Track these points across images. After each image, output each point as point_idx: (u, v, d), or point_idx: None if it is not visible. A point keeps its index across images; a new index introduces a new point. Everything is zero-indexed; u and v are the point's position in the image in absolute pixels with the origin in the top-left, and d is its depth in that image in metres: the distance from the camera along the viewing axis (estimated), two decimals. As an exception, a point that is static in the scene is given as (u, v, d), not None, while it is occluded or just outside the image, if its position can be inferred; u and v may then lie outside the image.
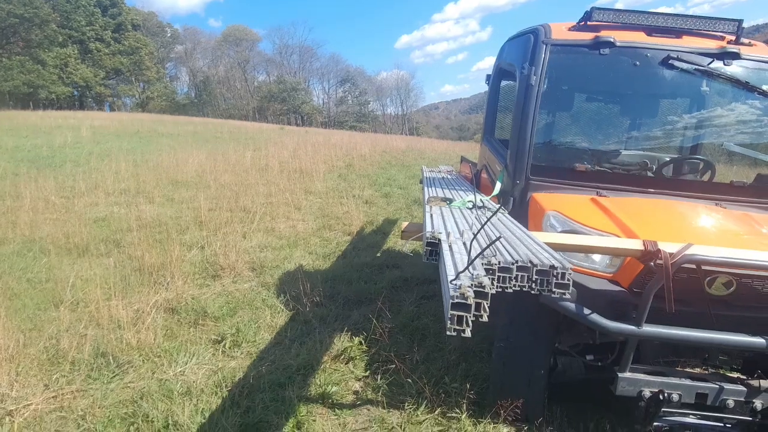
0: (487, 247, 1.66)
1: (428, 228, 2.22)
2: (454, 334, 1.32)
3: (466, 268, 1.48)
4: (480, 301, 1.35)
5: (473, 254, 1.59)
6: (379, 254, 6.23)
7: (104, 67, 54.71)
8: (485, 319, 1.36)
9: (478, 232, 1.90)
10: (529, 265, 1.66)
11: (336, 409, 2.99)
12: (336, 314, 4.30)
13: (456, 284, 1.40)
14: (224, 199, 8.42)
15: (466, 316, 1.32)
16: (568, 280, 1.64)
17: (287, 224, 7.42)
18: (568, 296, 1.66)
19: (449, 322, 1.34)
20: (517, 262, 1.68)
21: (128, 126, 24.07)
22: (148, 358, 3.46)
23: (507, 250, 1.82)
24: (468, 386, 3.02)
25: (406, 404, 2.97)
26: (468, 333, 1.33)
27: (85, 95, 54.19)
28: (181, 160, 12.27)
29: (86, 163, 12.10)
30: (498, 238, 1.78)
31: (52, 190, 8.65)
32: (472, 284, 1.36)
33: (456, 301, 1.36)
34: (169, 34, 68.99)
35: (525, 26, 3.64)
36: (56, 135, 17.51)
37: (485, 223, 2.03)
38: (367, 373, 3.39)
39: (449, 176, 5.06)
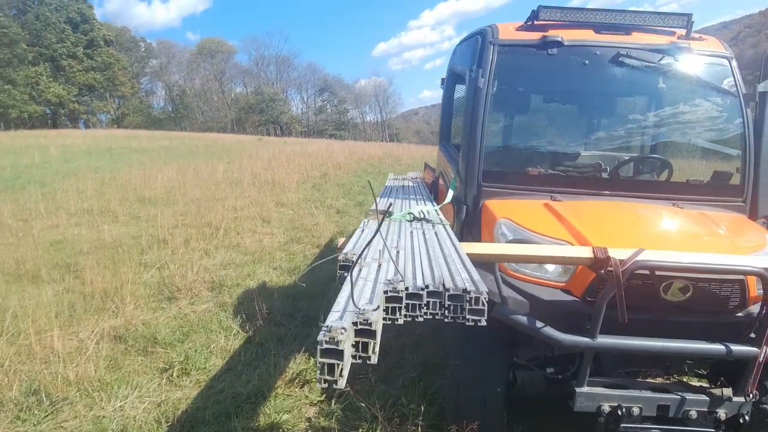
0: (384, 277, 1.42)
1: (348, 247, 2.02)
2: (325, 386, 1.11)
3: (337, 306, 1.24)
4: (367, 340, 1.15)
5: (363, 282, 1.38)
6: (346, 266, 6.03)
7: (77, 83, 53.82)
8: (373, 361, 1.17)
9: (365, 247, 1.71)
10: (441, 289, 1.46)
11: (286, 440, 2.80)
12: (294, 334, 4.10)
13: (327, 326, 1.15)
14: (190, 215, 8.16)
15: (339, 365, 1.10)
16: (483, 305, 1.45)
17: (254, 239, 7.20)
18: (483, 323, 1.48)
19: (319, 372, 1.12)
20: (428, 286, 1.46)
21: (101, 143, 23.56)
22: (87, 394, 3.21)
23: (422, 272, 1.62)
24: (423, 408, 2.85)
25: (361, 431, 2.79)
26: (341, 384, 1.12)
27: (58, 113, 53.17)
28: (151, 177, 11.95)
29: (51, 183, 11.73)
30: (397, 252, 1.59)
31: (9, 213, 8.31)
32: (356, 321, 1.17)
33: (325, 347, 1.11)
34: (143, 49, 68.30)
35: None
36: (23, 155, 17.04)
37: (373, 236, 1.81)
38: (322, 397, 3.20)
39: (412, 184, 4.92)
